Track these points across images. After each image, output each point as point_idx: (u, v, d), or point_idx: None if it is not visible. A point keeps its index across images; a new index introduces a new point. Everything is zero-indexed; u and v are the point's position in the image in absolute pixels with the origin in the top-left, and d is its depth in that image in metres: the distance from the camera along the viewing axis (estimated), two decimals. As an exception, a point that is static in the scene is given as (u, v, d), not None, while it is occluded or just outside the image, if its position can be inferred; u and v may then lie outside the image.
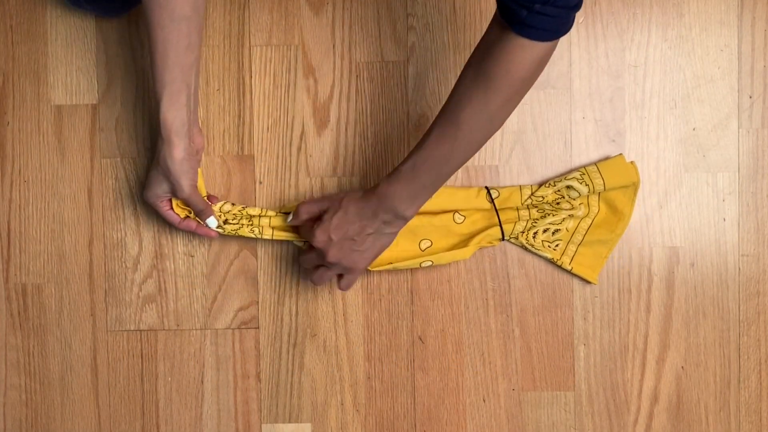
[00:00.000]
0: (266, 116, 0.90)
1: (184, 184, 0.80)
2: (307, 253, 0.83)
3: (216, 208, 0.86)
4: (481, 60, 0.70)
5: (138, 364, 0.91)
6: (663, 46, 0.87)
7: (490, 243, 0.86)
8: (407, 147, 0.89)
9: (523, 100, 0.88)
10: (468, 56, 0.87)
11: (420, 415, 0.90)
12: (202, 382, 0.91)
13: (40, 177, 0.91)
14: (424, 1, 0.88)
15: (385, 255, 0.84)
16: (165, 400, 0.91)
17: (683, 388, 0.88)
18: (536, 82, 0.88)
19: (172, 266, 0.90)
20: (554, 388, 0.89)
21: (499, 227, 0.85)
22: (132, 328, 0.91)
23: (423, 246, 0.86)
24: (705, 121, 0.88)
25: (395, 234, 0.80)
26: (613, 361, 0.88)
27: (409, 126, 0.89)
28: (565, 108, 0.88)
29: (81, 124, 0.91)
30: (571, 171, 0.86)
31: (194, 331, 0.91)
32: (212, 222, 0.84)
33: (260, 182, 0.90)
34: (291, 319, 0.90)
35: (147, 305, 0.91)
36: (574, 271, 0.86)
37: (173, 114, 0.77)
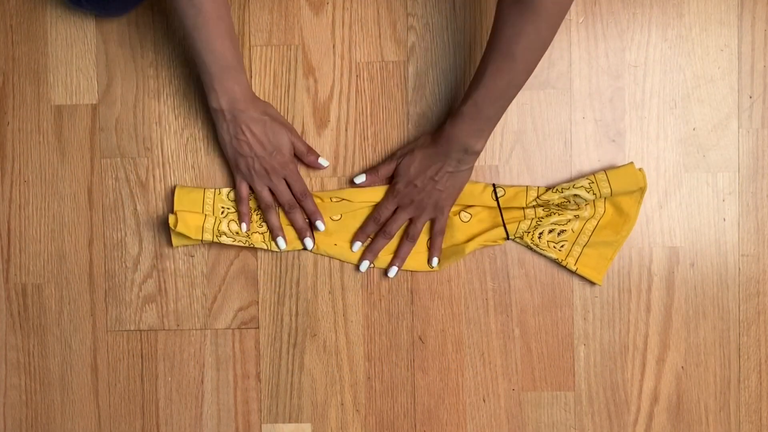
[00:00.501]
0: (266, 116, 0.90)
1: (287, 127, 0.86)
2: (394, 215, 0.87)
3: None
4: None
5: (138, 364, 0.91)
6: (663, 46, 0.87)
7: (495, 242, 0.86)
8: (407, 147, 0.89)
9: (523, 100, 0.88)
10: (468, 56, 0.87)
11: (420, 415, 0.90)
12: (202, 382, 0.91)
13: (40, 177, 0.91)
14: (424, 1, 0.88)
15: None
16: (165, 400, 0.91)
17: (683, 388, 0.88)
18: (536, 82, 0.88)
19: (172, 266, 0.90)
20: (554, 388, 0.89)
21: (503, 227, 0.85)
22: (132, 328, 0.91)
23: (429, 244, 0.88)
24: (705, 121, 0.88)
25: (471, 169, 0.84)
26: (613, 361, 0.88)
27: (409, 126, 0.89)
28: (565, 108, 0.88)
29: (81, 124, 0.91)
30: (579, 178, 0.86)
31: (194, 331, 0.91)
32: (324, 162, 0.88)
33: (260, 182, 0.90)
34: (291, 319, 0.90)
35: (147, 305, 0.91)
36: (579, 272, 0.87)
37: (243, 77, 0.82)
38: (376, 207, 0.87)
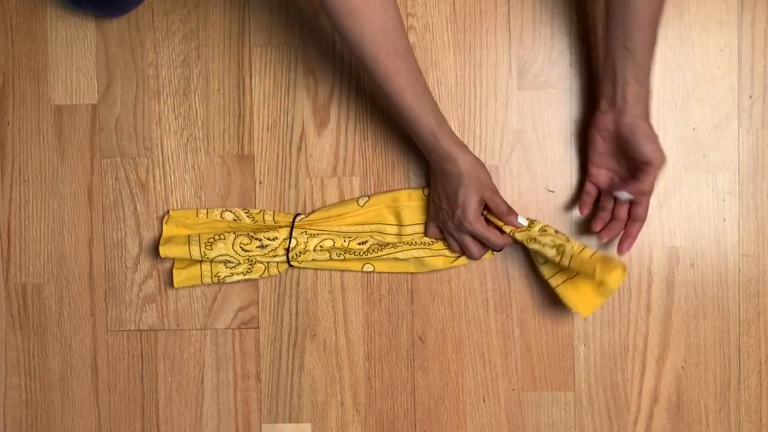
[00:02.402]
0: (266, 116, 0.90)
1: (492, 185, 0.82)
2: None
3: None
4: None
5: (138, 364, 0.91)
6: (663, 46, 0.87)
7: (489, 255, 0.87)
8: (407, 147, 0.89)
9: (523, 100, 0.88)
10: (468, 56, 0.87)
11: (420, 415, 0.90)
12: (202, 382, 0.91)
13: (40, 177, 0.91)
14: (424, 1, 0.88)
15: (384, 264, 0.88)
16: (165, 400, 0.91)
17: (683, 388, 0.88)
18: (536, 82, 0.88)
19: (172, 266, 0.90)
20: (554, 388, 0.89)
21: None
22: (132, 328, 0.91)
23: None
24: (705, 121, 0.88)
25: None
26: (613, 361, 0.88)
27: (409, 126, 0.89)
28: (565, 108, 0.88)
29: (81, 124, 0.91)
30: (550, 231, 0.83)
31: (194, 331, 0.91)
32: (522, 220, 0.83)
33: (260, 182, 0.90)
34: (291, 319, 0.90)
35: (147, 305, 0.91)
36: (559, 290, 0.83)
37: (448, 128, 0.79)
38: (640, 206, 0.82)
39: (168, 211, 0.90)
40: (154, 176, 0.90)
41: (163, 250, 0.86)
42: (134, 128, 0.90)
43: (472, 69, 0.88)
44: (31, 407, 0.92)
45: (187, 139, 0.90)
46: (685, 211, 0.88)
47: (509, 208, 0.82)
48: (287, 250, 0.86)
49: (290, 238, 0.86)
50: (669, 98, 0.88)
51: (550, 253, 0.81)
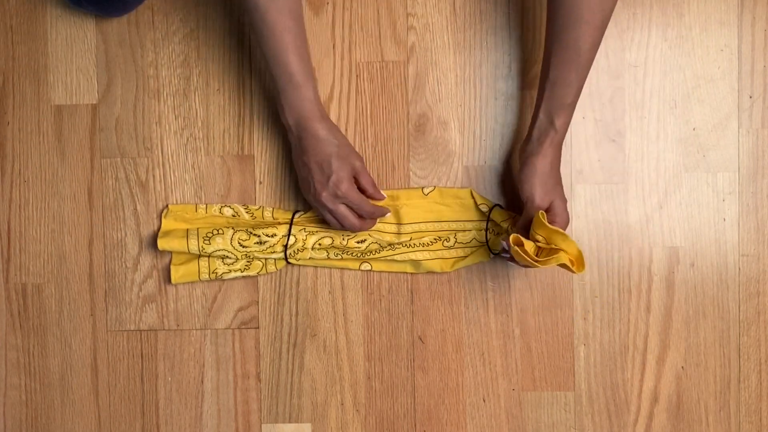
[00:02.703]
0: (266, 116, 0.90)
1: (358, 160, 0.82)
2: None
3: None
4: None
5: (138, 364, 0.91)
6: (663, 46, 0.87)
7: (481, 260, 0.87)
8: (407, 147, 0.89)
9: (523, 100, 0.88)
10: (468, 56, 0.87)
11: (420, 415, 0.90)
12: (202, 382, 0.91)
13: (40, 177, 0.91)
14: (424, 1, 0.88)
15: (382, 264, 0.88)
16: (165, 400, 0.91)
17: (683, 388, 0.88)
18: (536, 83, 0.88)
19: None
20: (554, 388, 0.89)
21: (486, 247, 0.86)
22: (132, 328, 0.91)
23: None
24: (705, 121, 0.88)
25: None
26: (613, 361, 0.88)
27: (409, 126, 0.89)
28: (565, 108, 0.88)
29: (81, 124, 0.91)
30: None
31: (194, 331, 0.91)
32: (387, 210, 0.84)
33: (260, 182, 0.90)
34: (291, 319, 0.90)
35: (147, 305, 0.91)
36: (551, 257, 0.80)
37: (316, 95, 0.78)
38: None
39: (167, 205, 0.90)
40: (154, 176, 0.90)
41: (161, 243, 0.86)
42: (134, 128, 0.90)
43: (472, 69, 0.88)
44: (31, 407, 0.92)
45: (187, 139, 0.90)
46: (685, 211, 0.88)
47: (374, 182, 0.83)
48: (285, 246, 0.86)
49: (288, 235, 0.86)
50: (669, 98, 0.88)
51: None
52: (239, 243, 0.86)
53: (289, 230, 0.86)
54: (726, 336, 0.88)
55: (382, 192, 0.86)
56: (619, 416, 0.88)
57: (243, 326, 0.90)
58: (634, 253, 0.88)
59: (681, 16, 0.87)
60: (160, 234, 0.87)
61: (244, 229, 0.86)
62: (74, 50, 0.91)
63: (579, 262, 0.77)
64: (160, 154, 0.90)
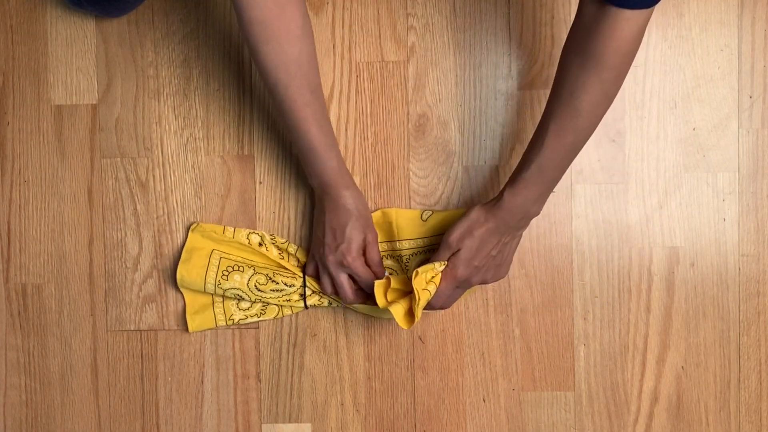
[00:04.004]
0: (266, 116, 0.90)
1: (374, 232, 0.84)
2: (446, 290, 0.81)
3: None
4: (585, 43, 0.69)
5: (138, 364, 0.91)
6: (663, 46, 0.87)
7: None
8: (407, 147, 0.89)
9: (523, 100, 0.88)
10: (468, 56, 0.87)
11: (420, 415, 0.90)
12: (202, 382, 0.91)
13: (40, 177, 0.91)
14: (424, 1, 0.88)
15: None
16: (165, 400, 0.91)
17: (683, 388, 0.88)
18: (536, 82, 0.88)
19: (172, 266, 0.90)
20: (554, 388, 0.89)
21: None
22: (132, 328, 0.91)
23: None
24: (705, 121, 0.88)
25: (525, 228, 0.81)
26: (613, 361, 0.88)
27: (409, 126, 0.89)
28: (565, 108, 0.88)
29: (81, 124, 0.91)
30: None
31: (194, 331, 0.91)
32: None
33: (260, 182, 0.90)
34: (291, 319, 0.90)
35: (147, 305, 0.91)
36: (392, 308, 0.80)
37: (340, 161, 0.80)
38: (435, 294, 0.80)
39: (197, 221, 0.89)
40: (154, 176, 0.90)
41: (181, 269, 0.86)
42: (134, 128, 0.90)
43: (472, 69, 0.88)
44: (31, 407, 0.92)
45: (187, 139, 0.90)
46: (685, 211, 0.88)
47: (381, 260, 0.84)
48: (303, 296, 0.86)
49: (304, 286, 0.86)
50: (669, 98, 0.88)
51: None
52: (256, 286, 0.86)
53: (304, 282, 0.86)
54: (726, 336, 0.88)
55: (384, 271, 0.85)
56: (619, 416, 0.88)
57: (243, 326, 0.90)
58: (634, 253, 0.88)
59: (681, 16, 0.87)
60: (183, 255, 0.87)
61: (264, 272, 0.86)
62: (74, 50, 0.91)
63: (407, 320, 0.78)
64: (160, 154, 0.90)
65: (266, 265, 0.87)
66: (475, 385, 0.89)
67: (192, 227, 0.88)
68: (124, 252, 0.91)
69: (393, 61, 0.89)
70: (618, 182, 0.88)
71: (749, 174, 0.87)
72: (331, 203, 0.80)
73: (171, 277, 0.90)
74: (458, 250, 0.79)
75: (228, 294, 0.86)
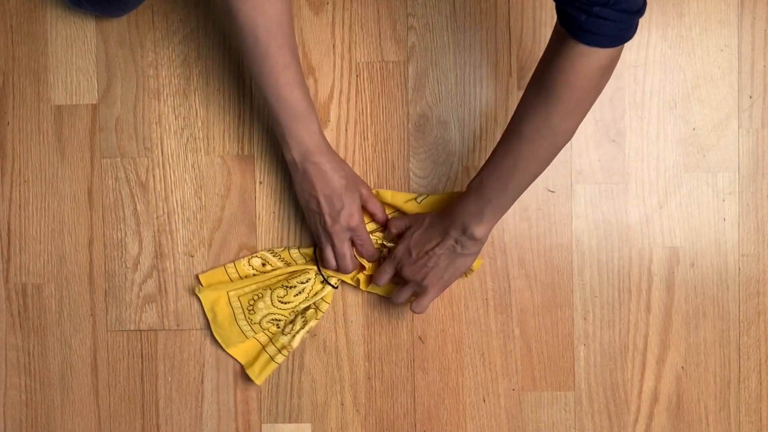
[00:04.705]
0: (266, 116, 0.90)
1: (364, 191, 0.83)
2: (385, 266, 0.83)
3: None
4: (543, 71, 0.68)
5: (138, 364, 0.91)
6: (663, 46, 0.87)
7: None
8: (407, 147, 0.89)
9: (523, 100, 0.88)
10: (467, 56, 0.87)
11: (420, 415, 0.90)
12: (202, 382, 0.91)
13: (40, 177, 0.91)
14: (424, 1, 0.88)
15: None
16: (165, 400, 0.91)
17: (683, 388, 0.88)
18: (536, 82, 0.88)
19: (172, 266, 0.90)
20: (554, 388, 0.89)
21: None
22: (132, 328, 0.91)
23: None
24: (705, 121, 0.88)
25: (470, 257, 0.79)
26: (613, 361, 0.88)
27: (409, 126, 0.89)
28: (565, 108, 0.88)
29: (81, 124, 0.91)
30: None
31: (194, 331, 0.91)
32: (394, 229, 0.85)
33: (260, 182, 0.90)
34: (291, 319, 0.90)
35: (147, 305, 0.91)
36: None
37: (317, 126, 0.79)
38: (377, 271, 0.84)
39: (197, 277, 0.89)
40: (154, 176, 0.90)
41: (215, 330, 0.88)
42: (134, 128, 0.90)
43: (472, 69, 0.88)
44: (31, 407, 0.92)
45: (187, 139, 0.90)
46: (685, 211, 0.88)
47: (383, 207, 0.85)
48: (324, 280, 0.86)
49: (320, 272, 0.86)
50: (669, 98, 0.88)
51: None
52: (279, 301, 0.86)
53: (318, 269, 0.86)
54: (726, 336, 0.88)
55: (386, 214, 0.86)
56: (619, 416, 0.88)
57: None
58: (634, 253, 0.88)
59: (681, 16, 0.87)
60: (213, 327, 0.88)
61: (278, 285, 0.86)
62: (74, 50, 0.91)
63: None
64: (160, 154, 0.90)
65: (278, 278, 0.87)
66: (475, 385, 0.89)
67: (197, 289, 0.88)
68: (124, 252, 0.91)
69: (393, 61, 0.89)
70: (618, 182, 0.88)
71: (749, 174, 0.87)
72: (318, 172, 0.79)
73: (171, 276, 0.90)
74: (409, 227, 0.81)
75: (264, 324, 0.86)
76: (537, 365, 0.89)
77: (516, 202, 0.88)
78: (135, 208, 0.91)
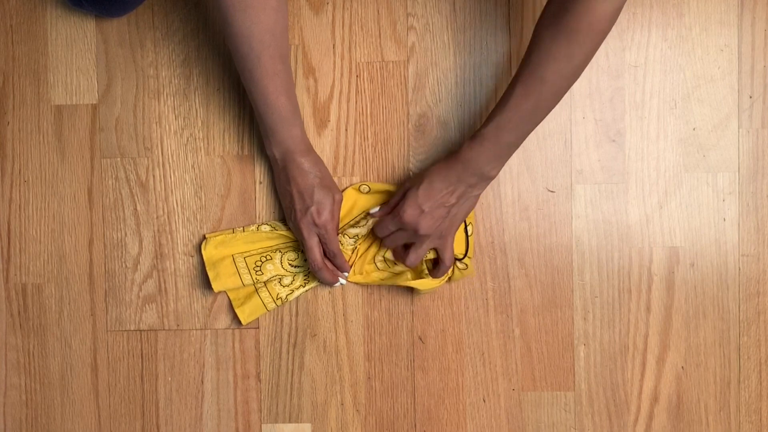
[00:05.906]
0: (266, 116, 0.90)
1: (337, 196, 0.84)
2: (393, 234, 0.83)
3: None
4: (560, 17, 0.70)
5: (138, 364, 0.91)
6: (663, 46, 0.87)
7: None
8: (407, 147, 0.89)
9: (523, 100, 0.88)
10: (468, 56, 0.87)
11: (420, 415, 0.90)
12: (202, 382, 0.91)
13: (40, 177, 0.91)
14: (424, 1, 0.88)
15: (373, 276, 0.88)
16: (165, 400, 0.91)
17: (683, 388, 0.88)
18: (536, 82, 0.88)
19: (172, 266, 0.90)
20: (554, 388, 0.89)
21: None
22: (132, 328, 0.91)
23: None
24: (705, 121, 0.88)
25: (479, 195, 0.82)
26: (613, 361, 0.88)
27: (409, 126, 0.89)
28: (565, 108, 0.88)
29: (81, 124, 0.91)
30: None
31: (194, 331, 0.91)
32: (342, 280, 0.86)
33: (260, 182, 0.90)
34: (291, 319, 0.90)
35: (147, 305, 0.91)
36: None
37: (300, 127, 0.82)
38: (376, 225, 0.85)
39: (204, 236, 0.89)
40: (154, 176, 0.90)
41: (216, 286, 0.87)
42: (134, 128, 0.90)
43: (472, 69, 0.88)
44: (31, 407, 0.92)
45: (187, 139, 0.90)
46: (685, 211, 0.88)
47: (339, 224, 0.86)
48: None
49: None
50: (669, 98, 0.88)
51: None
52: (290, 264, 0.87)
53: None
54: (726, 336, 0.88)
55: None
56: (619, 416, 0.88)
57: (243, 326, 0.90)
58: (634, 253, 0.88)
59: (681, 16, 0.87)
60: (210, 274, 0.87)
61: (291, 248, 0.87)
62: (74, 50, 0.91)
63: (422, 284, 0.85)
64: (160, 154, 0.90)
65: (289, 243, 0.88)
66: (475, 385, 0.89)
67: (202, 245, 0.88)
68: (124, 252, 0.91)
69: (393, 61, 0.89)
70: (618, 182, 0.88)
71: (749, 174, 0.87)
72: (296, 169, 0.82)
73: (171, 276, 0.90)
74: (410, 188, 0.81)
75: (270, 281, 0.87)
76: (537, 365, 0.89)
77: (516, 202, 0.88)
78: (135, 208, 0.91)
